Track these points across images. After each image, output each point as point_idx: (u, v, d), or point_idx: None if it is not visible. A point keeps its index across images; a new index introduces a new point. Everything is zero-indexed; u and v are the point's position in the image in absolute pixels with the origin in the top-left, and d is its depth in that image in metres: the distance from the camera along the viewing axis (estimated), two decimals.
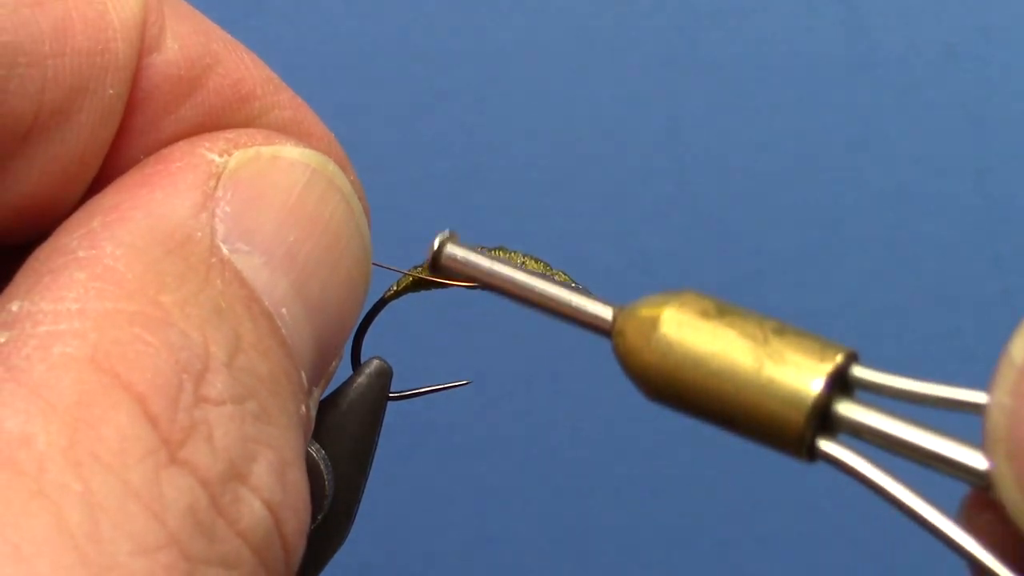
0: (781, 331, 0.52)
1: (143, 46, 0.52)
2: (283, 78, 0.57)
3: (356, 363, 0.61)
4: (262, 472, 0.47)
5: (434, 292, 0.64)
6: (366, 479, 0.59)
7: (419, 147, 1.25)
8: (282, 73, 0.57)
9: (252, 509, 0.46)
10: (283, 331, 0.50)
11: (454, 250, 0.56)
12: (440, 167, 1.25)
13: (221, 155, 0.51)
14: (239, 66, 0.54)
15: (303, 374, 0.51)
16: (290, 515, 0.48)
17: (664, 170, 1.25)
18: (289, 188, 0.52)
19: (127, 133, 0.53)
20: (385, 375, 0.59)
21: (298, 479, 0.49)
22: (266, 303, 0.50)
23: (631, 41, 1.25)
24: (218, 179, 0.51)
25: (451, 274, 0.57)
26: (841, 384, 0.52)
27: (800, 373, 0.51)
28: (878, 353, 1.40)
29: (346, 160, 0.57)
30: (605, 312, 0.55)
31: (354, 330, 0.57)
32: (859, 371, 0.52)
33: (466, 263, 0.56)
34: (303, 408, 0.50)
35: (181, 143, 0.52)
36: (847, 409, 0.51)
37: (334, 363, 0.55)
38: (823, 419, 0.51)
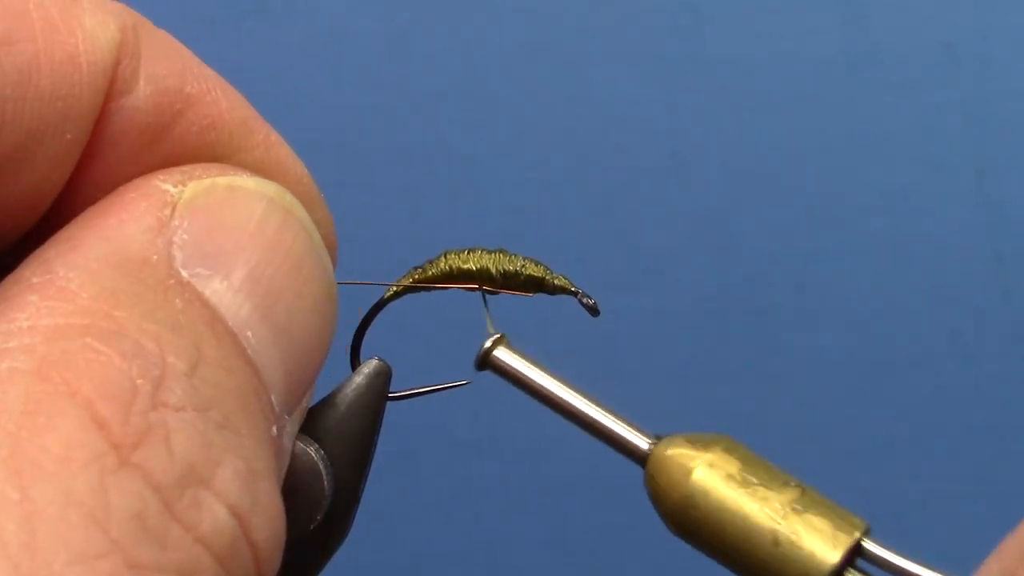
0: (801, 503, 0.55)
1: (113, 89, 0.51)
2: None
3: (355, 363, 0.61)
4: (227, 477, 0.46)
5: (434, 292, 0.64)
6: (366, 479, 0.59)
7: (420, 147, 1.25)
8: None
9: (215, 514, 0.45)
10: (248, 352, 0.49)
11: (503, 354, 0.59)
12: (440, 167, 1.25)
13: (176, 185, 0.51)
14: (211, 111, 0.54)
15: (273, 398, 0.50)
16: (262, 523, 0.47)
17: (664, 170, 1.25)
18: (247, 215, 0.51)
19: (88, 173, 0.52)
20: (384, 375, 0.59)
21: (271, 491, 0.48)
22: (230, 323, 0.49)
23: (631, 41, 1.25)
24: (173, 208, 0.50)
25: (497, 373, 0.59)
26: (851, 555, 0.55)
27: (812, 555, 0.54)
28: (878, 353, 1.40)
29: (318, 197, 0.56)
30: (640, 444, 0.60)
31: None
32: (870, 545, 0.55)
33: (513, 369, 0.59)
34: (274, 430, 0.49)
35: (137, 179, 0.52)
36: None
37: (307, 395, 0.54)
38: None
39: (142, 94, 0.52)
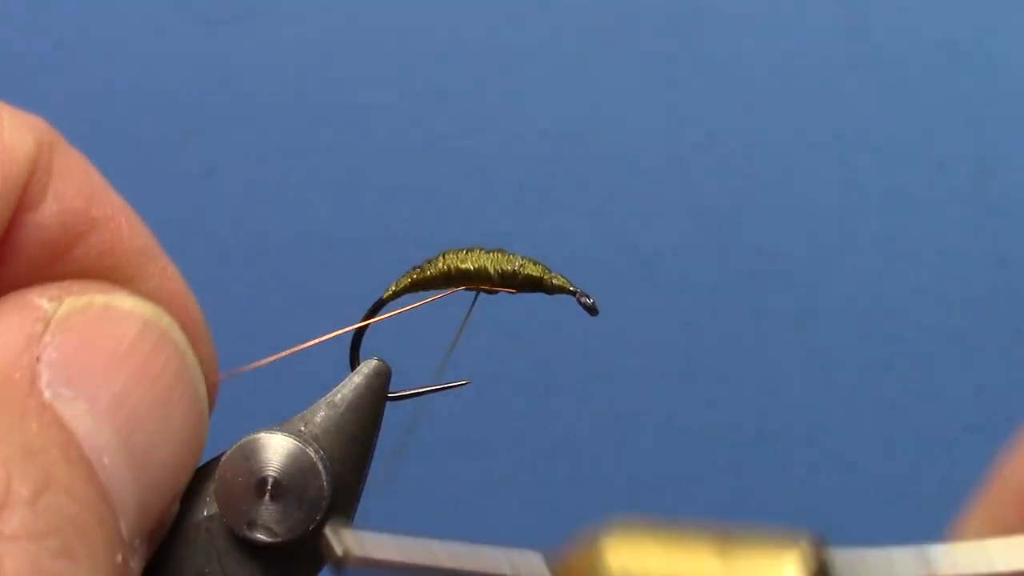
0: (729, 546, 0.48)
1: (22, 203, 0.51)
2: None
3: (355, 363, 0.61)
4: None
5: (433, 292, 0.64)
6: (365, 479, 0.59)
7: (421, 147, 1.25)
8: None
9: None
10: (101, 478, 0.49)
11: (352, 543, 0.50)
12: (441, 167, 1.25)
13: (51, 301, 0.51)
14: (113, 235, 0.53)
15: (122, 523, 0.50)
16: None
17: (664, 170, 1.25)
18: (120, 337, 0.51)
19: None
20: (383, 375, 0.59)
21: None
22: (86, 449, 0.49)
23: (631, 41, 1.25)
24: (46, 325, 0.50)
25: (361, 567, 0.51)
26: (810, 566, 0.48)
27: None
28: (878, 353, 1.40)
29: (206, 335, 0.56)
30: (538, 566, 0.51)
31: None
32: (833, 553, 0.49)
33: (373, 558, 0.50)
34: (119, 557, 0.49)
35: (13, 292, 0.52)
36: None
37: (167, 514, 0.54)
38: None
39: (48, 211, 0.52)
